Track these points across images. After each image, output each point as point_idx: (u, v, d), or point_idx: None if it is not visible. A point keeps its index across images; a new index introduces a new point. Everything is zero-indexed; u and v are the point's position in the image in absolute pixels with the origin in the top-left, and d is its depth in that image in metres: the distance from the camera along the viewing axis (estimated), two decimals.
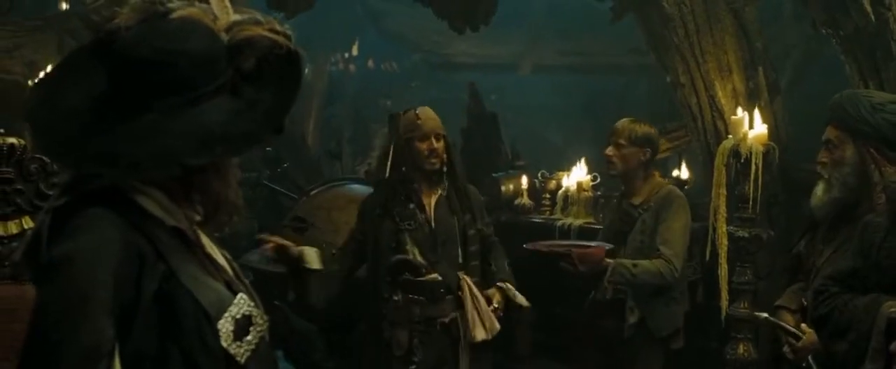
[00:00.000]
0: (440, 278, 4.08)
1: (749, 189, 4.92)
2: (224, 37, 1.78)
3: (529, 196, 6.90)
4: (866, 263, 2.84)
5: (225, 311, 1.77)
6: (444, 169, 4.28)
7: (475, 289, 4.22)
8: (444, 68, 12.82)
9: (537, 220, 6.68)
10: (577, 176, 6.72)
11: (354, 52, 14.34)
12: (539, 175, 7.09)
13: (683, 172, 6.40)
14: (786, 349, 3.27)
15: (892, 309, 2.64)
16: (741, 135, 5.02)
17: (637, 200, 4.60)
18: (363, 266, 4.41)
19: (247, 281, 1.93)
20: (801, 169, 5.81)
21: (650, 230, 4.48)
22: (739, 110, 5.08)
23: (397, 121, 4.18)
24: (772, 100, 5.76)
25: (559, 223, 6.37)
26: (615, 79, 10.68)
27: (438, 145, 4.23)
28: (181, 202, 1.82)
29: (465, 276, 4.23)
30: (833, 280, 2.72)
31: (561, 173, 7.01)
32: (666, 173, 6.38)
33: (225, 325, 1.76)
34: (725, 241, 5.08)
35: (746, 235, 5.03)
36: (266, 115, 1.79)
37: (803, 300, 3.26)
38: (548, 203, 6.87)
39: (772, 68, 5.89)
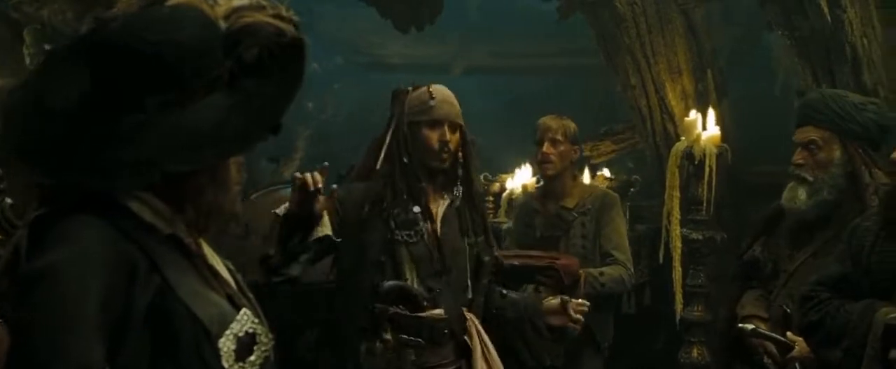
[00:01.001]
0: (444, 315, 3.06)
1: (703, 191, 4.89)
2: (223, 24, 1.59)
3: None
4: (857, 268, 2.77)
5: (227, 328, 1.61)
6: (459, 170, 3.20)
7: (484, 334, 3.22)
8: (372, 69, 12.62)
9: None
10: (521, 178, 6.63)
11: None
12: (482, 178, 6.98)
13: (586, 178, 6.33)
14: (767, 360, 3.20)
15: (891, 316, 2.57)
16: (694, 137, 5.00)
17: (570, 203, 4.31)
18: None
19: (251, 296, 1.76)
20: (748, 171, 5.84)
21: (592, 235, 4.29)
22: (693, 112, 5.06)
23: (401, 99, 3.20)
24: (719, 103, 5.75)
25: (504, 227, 6.29)
26: (548, 81, 10.66)
27: (453, 137, 3.16)
28: (179, 207, 1.64)
29: (471, 315, 3.20)
30: (823, 285, 2.65)
31: (504, 175, 6.92)
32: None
33: (226, 344, 1.59)
34: (679, 244, 5.06)
35: (700, 238, 5.01)
36: (263, 112, 1.62)
37: (785, 307, 3.19)
38: (491, 206, 6.77)
39: (719, 70, 5.89)
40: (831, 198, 3.17)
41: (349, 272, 3.11)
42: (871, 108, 3.35)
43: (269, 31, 1.61)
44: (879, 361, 2.60)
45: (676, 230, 4.98)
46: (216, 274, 1.68)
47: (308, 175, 2.79)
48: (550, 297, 3.34)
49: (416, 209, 3.11)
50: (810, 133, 3.19)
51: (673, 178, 4.93)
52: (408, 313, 2.98)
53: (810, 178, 3.17)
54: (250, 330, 1.63)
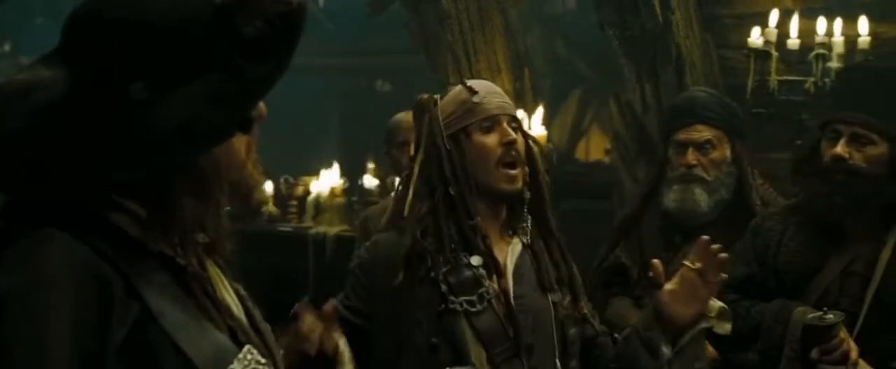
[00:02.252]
0: None
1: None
2: None
3: (275, 203, 6.43)
4: (763, 269, 2.76)
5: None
6: (525, 194, 2.29)
7: None
8: None
9: (287, 229, 6.26)
10: (328, 181, 6.34)
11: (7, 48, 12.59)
12: (283, 180, 6.63)
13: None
14: None
15: (809, 316, 2.56)
16: None
17: None
18: None
19: (266, 327, 1.46)
20: (566, 171, 5.89)
21: None
22: (519, 111, 5.00)
23: (429, 111, 2.31)
24: (535, 102, 5.75)
25: (312, 231, 6.00)
26: (353, 80, 10.41)
27: (520, 139, 2.28)
28: (169, 218, 1.33)
29: None
30: (729, 287, 2.59)
31: (308, 178, 6.60)
32: None
33: None
34: None
35: None
36: (245, 101, 1.33)
37: None
38: (295, 210, 6.45)
39: (535, 70, 5.90)
40: (729, 197, 3.15)
41: (389, 365, 2.23)
42: (737, 108, 3.39)
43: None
44: (799, 362, 2.58)
45: None
46: (217, 302, 1.34)
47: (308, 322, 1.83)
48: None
49: (476, 260, 2.20)
50: (705, 132, 3.14)
51: None
52: None
53: (709, 178, 3.13)
54: None
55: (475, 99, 2.26)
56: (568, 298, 2.30)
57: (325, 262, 5.65)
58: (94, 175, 1.25)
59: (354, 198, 6.27)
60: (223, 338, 1.32)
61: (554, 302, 2.26)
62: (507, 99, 2.35)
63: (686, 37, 4.74)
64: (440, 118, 2.27)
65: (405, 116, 3.57)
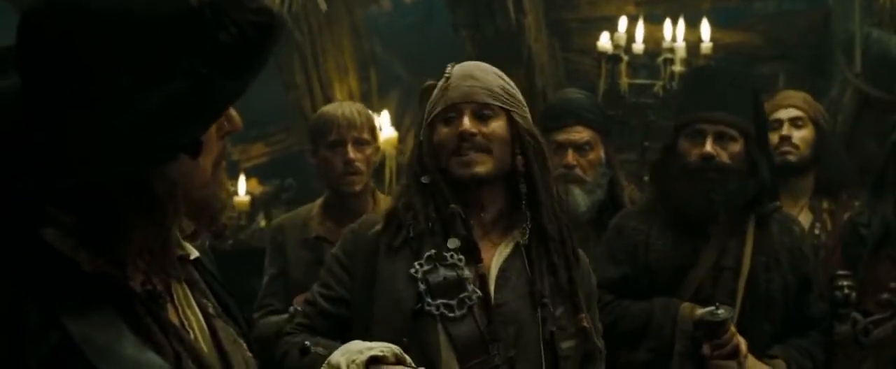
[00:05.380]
0: None
1: (385, 193, 4.83)
2: None
3: None
4: (635, 267, 2.79)
5: None
6: (521, 185, 2.08)
7: None
8: None
9: None
10: None
11: None
12: None
13: (241, 187, 5.84)
14: None
15: (699, 312, 2.63)
16: None
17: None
18: None
19: (237, 349, 1.31)
20: None
21: None
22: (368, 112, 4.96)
23: (423, 98, 2.25)
24: (382, 103, 5.73)
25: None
26: None
27: (486, 128, 2.05)
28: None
29: None
30: (603, 288, 2.61)
31: None
32: None
33: None
34: None
35: None
36: (198, 116, 1.17)
37: None
38: None
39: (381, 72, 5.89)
40: (604, 198, 3.19)
41: None
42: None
43: (250, 5, 1.17)
44: (690, 358, 2.65)
45: None
46: (165, 325, 1.20)
47: None
48: None
49: (452, 243, 2.01)
50: (584, 133, 3.16)
51: None
52: None
53: (588, 179, 3.16)
54: None
55: (444, 86, 2.09)
56: (562, 309, 2.05)
57: None
58: (33, 181, 1.11)
59: None
60: (158, 363, 1.17)
61: (543, 316, 2.01)
62: (481, 83, 2.09)
63: (536, 40, 4.84)
64: (427, 107, 2.13)
65: (337, 110, 3.07)
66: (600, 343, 2.14)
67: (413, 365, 1.60)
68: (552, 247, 2.07)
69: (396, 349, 1.60)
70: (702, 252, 2.79)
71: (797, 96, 3.51)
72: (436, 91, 2.11)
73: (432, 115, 2.09)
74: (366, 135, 2.99)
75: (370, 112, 3.14)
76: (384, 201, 2.94)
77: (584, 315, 2.06)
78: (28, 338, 1.09)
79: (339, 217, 2.91)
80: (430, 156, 2.07)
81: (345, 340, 1.71)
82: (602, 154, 3.18)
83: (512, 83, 2.16)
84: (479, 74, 2.11)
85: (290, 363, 2.07)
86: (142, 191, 1.17)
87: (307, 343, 1.84)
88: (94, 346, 1.11)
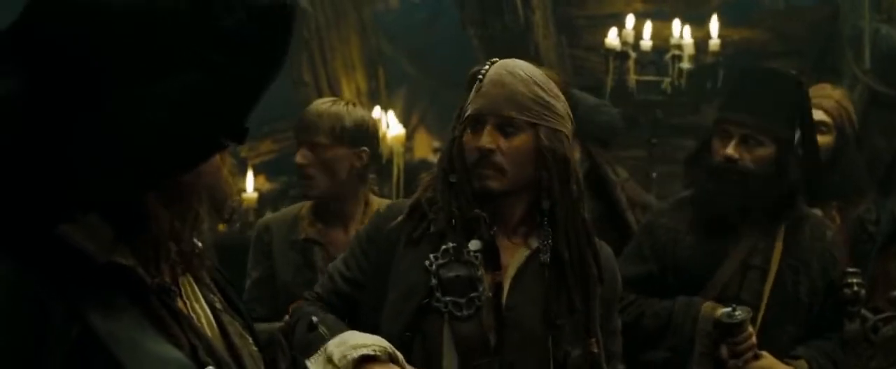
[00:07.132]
0: None
1: (392, 192, 4.83)
2: None
3: None
4: (661, 266, 2.80)
5: None
6: (543, 200, 2.00)
7: None
8: None
9: None
10: None
11: None
12: None
13: (249, 183, 5.83)
14: None
15: (720, 312, 2.62)
16: (380, 136, 4.90)
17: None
18: None
19: (245, 343, 1.30)
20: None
21: None
22: (377, 109, 4.96)
23: (471, 84, 2.07)
24: (390, 100, 5.74)
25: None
26: None
27: (507, 144, 1.96)
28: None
29: None
30: (628, 286, 2.63)
31: None
32: None
33: None
34: None
35: None
36: (227, 103, 1.13)
37: None
38: None
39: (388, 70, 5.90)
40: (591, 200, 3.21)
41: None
42: (605, 110, 3.46)
43: None
44: (710, 358, 2.64)
45: None
46: (180, 318, 1.21)
47: None
48: None
49: (474, 245, 1.96)
50: None
51: None
52: None
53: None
54: None
55: (477, 87, 1.96)
56: (573, 330, 1.99)
57: None
58: (55, 191, 1.08)
59: None
60: (179, 358, 1.17)
61: (555, 337, 1.96)
62: (508, 92, 1.96)
63: (544, 37, 4.84)
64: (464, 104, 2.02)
65: (308, 109, 2.79)
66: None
67: (405, 364, 1.61)
68: (567, 271, 2.00)
69: (390, 348, 1.60)
70: (729, 250, 2.78)
71: (831, 97, 3.35)
72: (473, 89, 2.00)
73: (462, 117, 2.01)
74: (321, 139, 2.65)
75: (361, 112, 2.84)
76: (377, 204, 2.74)
77: (594, 340, 2.01)
78: (52, 334, 1.09)
79: (328, 219, 2.75)
80: (459, 158, 1.99)
81: (353, 320, 1.76)
82: (577, 155, 3.09)
83: (549, 86, 2.03)
84: (510, 81, 1.96)
85: (300, 333, 2.07)
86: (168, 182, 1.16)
87: (315, 319, 1.85)
88: (117, 340, 1.11)
